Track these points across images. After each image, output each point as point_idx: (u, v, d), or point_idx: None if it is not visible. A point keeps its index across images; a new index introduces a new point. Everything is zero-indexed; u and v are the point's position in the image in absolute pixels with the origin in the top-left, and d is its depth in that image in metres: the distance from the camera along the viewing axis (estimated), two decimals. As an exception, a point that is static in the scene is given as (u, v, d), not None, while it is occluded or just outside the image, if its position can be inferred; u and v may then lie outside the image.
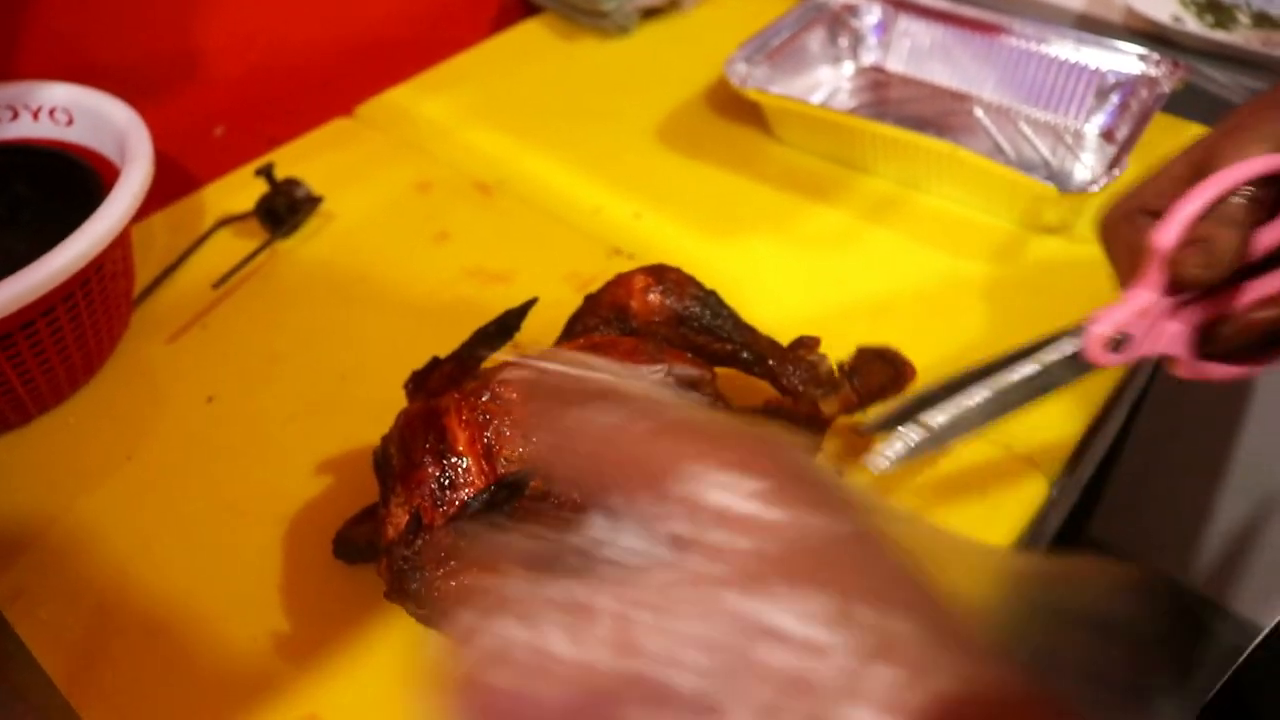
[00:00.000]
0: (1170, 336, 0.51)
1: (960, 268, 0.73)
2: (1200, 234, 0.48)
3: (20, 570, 0.55)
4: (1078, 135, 0.85)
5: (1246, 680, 0.65)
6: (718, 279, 0.71)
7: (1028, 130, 0.86)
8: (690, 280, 0.58)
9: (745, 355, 0.57)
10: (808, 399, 0.56)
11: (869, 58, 0.93)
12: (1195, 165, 0.49)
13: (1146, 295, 0.50)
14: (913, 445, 0.52)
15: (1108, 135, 0.83)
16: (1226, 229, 0.47)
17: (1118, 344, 0.51)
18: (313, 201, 0.77)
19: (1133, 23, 1.14)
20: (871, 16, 0.92)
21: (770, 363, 0.57)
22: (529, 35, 1.01)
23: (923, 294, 0.71)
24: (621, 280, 0.57)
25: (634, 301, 0.56)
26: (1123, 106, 0.83)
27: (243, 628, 0.52)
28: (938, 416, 0.52)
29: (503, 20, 1.04)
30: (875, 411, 0.55)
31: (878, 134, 0.77)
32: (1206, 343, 0.51)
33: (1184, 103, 0.82)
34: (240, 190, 0.79)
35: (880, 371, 0.57)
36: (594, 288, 0.58)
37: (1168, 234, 0.48)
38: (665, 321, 0.56)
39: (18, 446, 0.62)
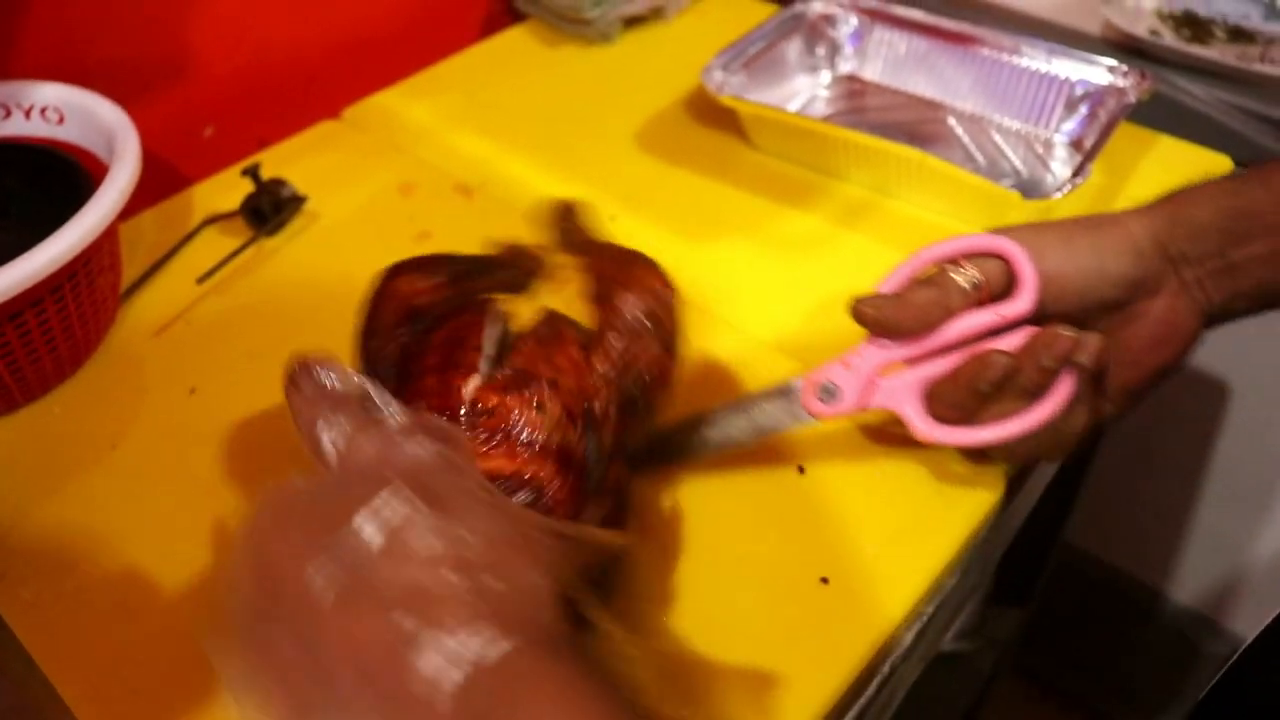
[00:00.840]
0: (891, 395, 0.55)
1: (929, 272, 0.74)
2: (902, 291, 0.54)
3: (3, 552, 0.57)
4: (1048, 144, 0.87)
5: (1231, 690, 0.67)
6: (691, 280, 0.72)
7: (999, 139, 0.88)
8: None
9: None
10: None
11: (845, 67, 0.95)
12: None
13: (851, 349, 0.55)
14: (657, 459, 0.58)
15: (1076, 144, 0.86)
16: (925, 289, 0.53)
17: (828, 393, 0.55)
18: (297, 201, 0.79)
19: (1111, 36, 1.16)
20: (848, 26, 0.94)
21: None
22: (514, 42, 1.03)
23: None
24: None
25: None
26: (1091, 116, 0.85)
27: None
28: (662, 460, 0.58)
29: (489, 27, 1.06)
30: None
31: (849, 141, 0.79)
32: (938, 405, 0.55)
33: (1159, 115, 0.84)
34: (227, 190, 0.81)
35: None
36: (568, 287, 0.60)
37: (883, 286, 0.55)
38: None
39: (3, 434, 0.64)
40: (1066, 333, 0.51)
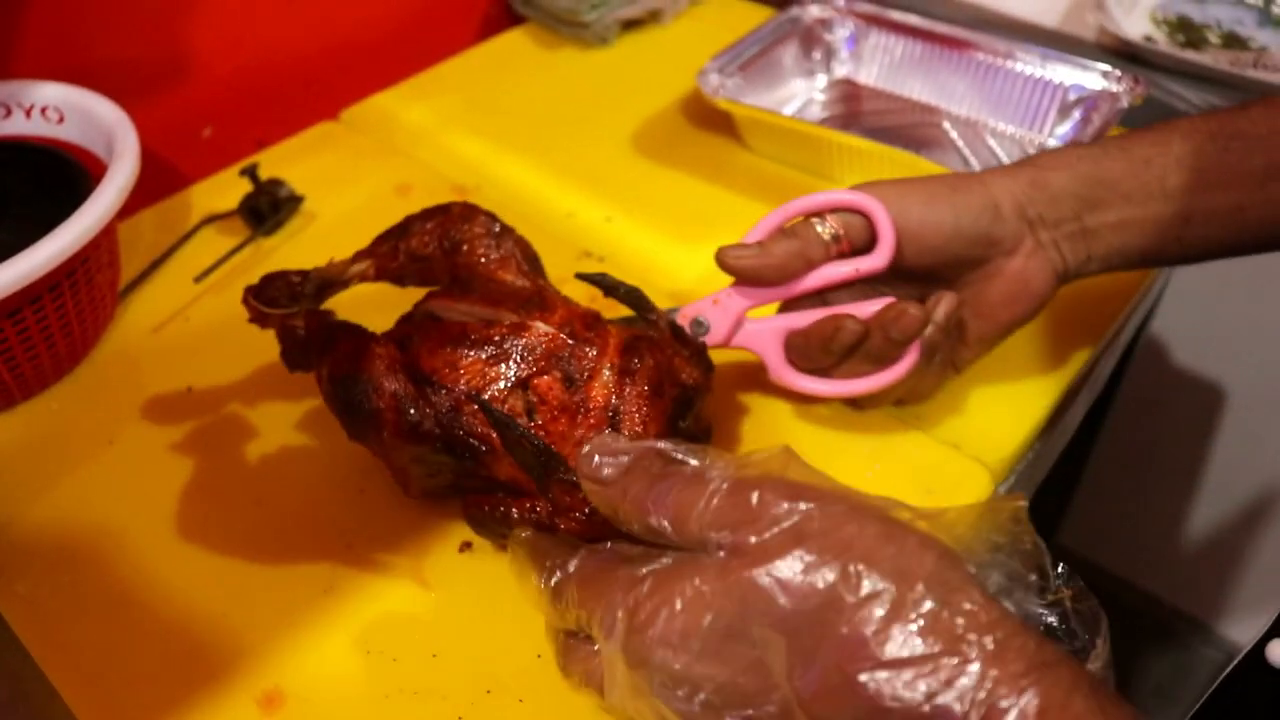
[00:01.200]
0: (752, 337, 0.59)
1: (919, 274, 0.75)
2: (764, 241, 0.57)
3: (0, 547, 0.57)
4: (1042, 148, 0.87)
5: (1228, 697, 0.67)
6: (685, 282, 0.73)
7: (994, 143, 0.88)
8: None
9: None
10: None
11: (841, 71, 0.96)
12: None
13: (726, 292, 0.58)
14: None
15: (1070, 149, 0.86)
16: (785, 240, 0.56)
17: (699, 326, 0.58)
18: (294, 201, 0.79)
19: (1105, 41, 1.17)
20: (844, 30, 0.95)
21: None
22: (512, 44, 1.04)
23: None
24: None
25: None
26: (1084, 121, 0.86)
27: (212, 603, 0.54)
28: None
29: (487, 29, 1.06)
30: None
31: (842, 144, 0.79)
32: (792, 353, 0.59)
33: (1152, 120, 0.84)
34: (225, 189, 0.81)
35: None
36: (565, 289, 0.60)
37: (750, 235, 0.58)
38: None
39: (1, 430, 0.64)
40: (913, 310, 0.53)
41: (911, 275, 0.59)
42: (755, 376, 0.66)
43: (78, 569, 0.56)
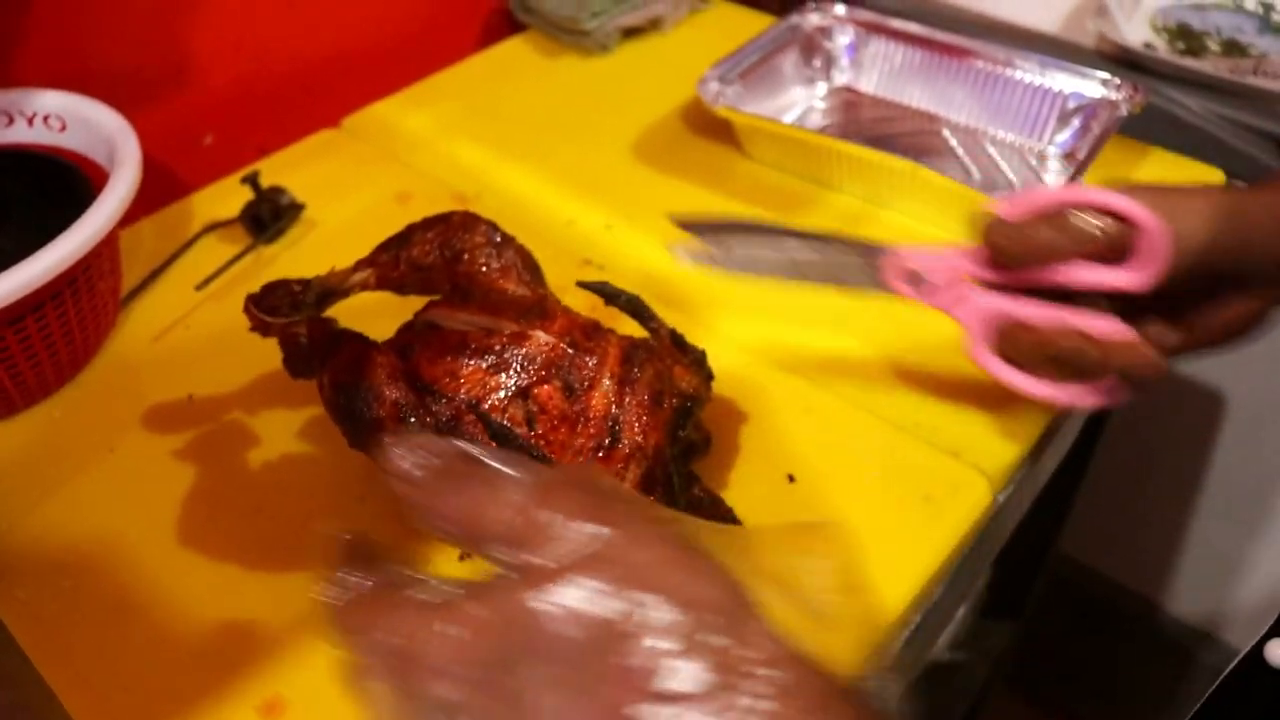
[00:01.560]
0: (970, 308, 0.54)
1: (919, 282, 0.75)
2: (1025, 219, 0.51)
3: (1, 553, 0.57)
4: (1041, 156, 0.87)
5: (1227, 703, 0.67)
6: (684, 291, 0.73)
7: (993, 151, 0.89)
8: None
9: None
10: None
11: (841, 78, 0.96)
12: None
13: (954, 251, 0.54)
14: (706, 260, 0.59)
15: (1069, 156, 0.86)
16: (1050, 227, 0.51)
17: (914, 279, 0.55)
18: (295, 209, 0.79)
19: (1105, 49, 1.17)
20: (844, 38, 0.95)
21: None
22: (513, 52, 1.04)
23: (882, 307, 0.73)
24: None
25: None
26: (1084, 129, 0.86)
27: (213, 611, 0.54)
28: (740, 248, 0.58)
29: (488, 37, 1.07)
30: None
31: (843, 152, 0.79)
32: (1004, 341, 0.54)
33: (1153, 128, 0.85)
34: (226, 197, 0.81)
35: None
36: (565, 299, 0.61)
37: (1004, 205, 0.52)
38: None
39: (3, 437, 0.65)
40: (1159, 360, 0.50)
41: (1171, 293, 0.54)
42: (755, 385, 0.66)
43: (78, 575, 0.56)
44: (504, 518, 0.33)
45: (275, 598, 0.55)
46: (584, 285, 0.58)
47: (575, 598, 0.31)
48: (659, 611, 0.30)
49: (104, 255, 0.66)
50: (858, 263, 0.56)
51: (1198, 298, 0.54)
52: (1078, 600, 1.50)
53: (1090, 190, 0.51)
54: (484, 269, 0.59)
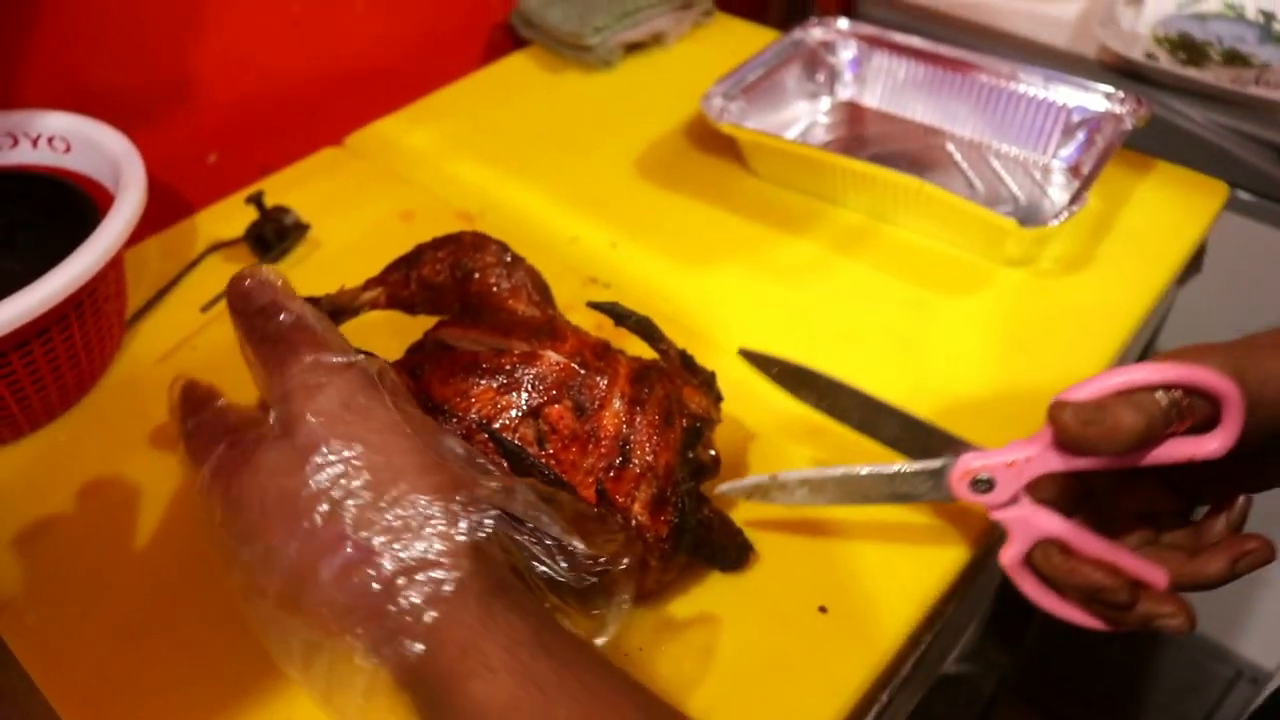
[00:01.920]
0: (1022, 520, 0.52)
1: (927, 299, 0.75)
2: (1102, 401, 0.48)
3: (8, 580, 0.57)
4: (1046, 170, 0.87)
5: None
6: (690, 307, 0.73)
7: (998, 165, 0.89)
8: None
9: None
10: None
11: (845, 93, 0.96)
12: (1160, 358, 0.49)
13: (1024, 449, 0.50)
14: (753, 488, 0.57)
15: (1074, 170, 0.86)
16: (1131, 412, 0.47)
17: (981, 485, 0.51)
18: (300, 229, 0.79)
19: (1107, 59, 1.17)
20: (847, 53, 0.95)
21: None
22: (515, 68, 1.04)
23: (890, 324, 0.73)
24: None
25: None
26: (1088, 142, 0.86)
27: (223, 635, 0.54)
28: (791, 475, 0.56)
29: (491, 53, 1.07)
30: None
31: (848, 168, 0.79)
32: (1041, 556, 0.52)
33: (1156, 138, 0.85)
34: (231, 217, 0.81)
35: None
36: (571, 316, 0.61)
37: (1076, 393, 0.49)
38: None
39: (10, 461, 0.64)
40: (1182, 618, 0.49)
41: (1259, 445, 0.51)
42: (763, 404, 0.66)
43: (86, 601, 0.56)
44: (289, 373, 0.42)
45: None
46: (594, 306, 0.58)
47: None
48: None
49: (110, 278, 0.66)
50: (919, 477, 0.54)
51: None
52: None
53: (1169, 366, 0.48)
54: (495, 289, 0.59)
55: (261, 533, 0.41)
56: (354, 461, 0.41)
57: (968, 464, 0.52)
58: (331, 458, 0.40)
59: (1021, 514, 0.51)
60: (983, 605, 0.79)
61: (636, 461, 0.51)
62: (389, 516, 0.40)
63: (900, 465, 0.54)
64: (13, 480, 0.63)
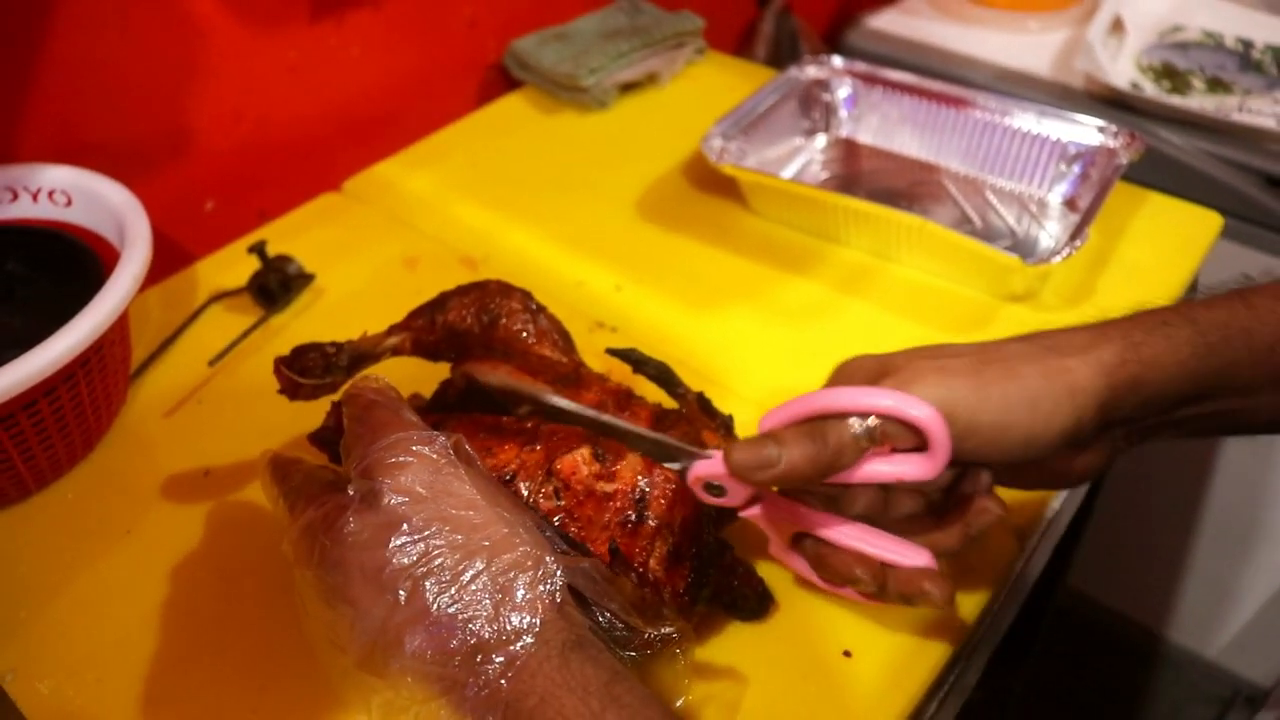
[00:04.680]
0: (762, 514, 0.52)
1: (931, 336, 0.75)
2: (776, 435, 0.47)
3: (21, 644, 0.56)
4: (1042, 204, 0.88)
5: None
6: (696, 350, 0.73)
7: (994, 199, 0.89)
8: None
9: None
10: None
11: (841, 130, 0.96)
12: (874, 370, 0.50)
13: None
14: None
15: (1070, 203, 0.87)
16: (802, 443, 0.47)
17: (715, 490, 0.51)
18: (304, 278, 0.79)
19: (1093, 89, 1.19)
20: (842, 90, 0.96)
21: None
22: (511, 109, 1.04)
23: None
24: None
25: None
26: (1084, 176, 0.87)
27: (244, 700, 0.53)
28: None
29: (485, 95, 1.07)
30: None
31: (849, 207, 0.80)
32: (801, 551, 0.52)
33: (1143, 166, 0.85)
34: (232, 266, 0.81)
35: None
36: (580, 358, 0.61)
37: (764, 422, 0.49)
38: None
39: (18, 522, 0.64)
40: (940, 594, 0.48)
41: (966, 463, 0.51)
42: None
43: (102, 666, 0.55)
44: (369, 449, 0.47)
45: (307, 681, 0.54)
46: (613, 352, 0.58)
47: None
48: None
49: (116, 333, 0.65)
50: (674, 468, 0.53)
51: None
52: (1080, 630, 1.50)
53: (861, 394, 0.48)
54: (520, 335, 0.59)
55: (347, 597, 0.44)
56: (435, 540, 0.44)
57: (697, 470, 0.51)
58: (415, 537, 0.44)
59: (766, 510, 0.52)
60: (998, 634, 0.79)
61: (652, 514, 0.51)
62: (473, 588, 0.43)
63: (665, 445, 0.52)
64: (22, 540, 0.62)
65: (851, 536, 0.50)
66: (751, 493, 0.51)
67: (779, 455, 0.47)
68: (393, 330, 0.62)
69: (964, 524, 0.50)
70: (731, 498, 0.51)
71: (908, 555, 0.49)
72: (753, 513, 0.52)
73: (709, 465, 0.50)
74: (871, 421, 0.47)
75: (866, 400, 0.47)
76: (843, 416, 0.47)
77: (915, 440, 0.47)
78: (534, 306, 0.61)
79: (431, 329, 0.62)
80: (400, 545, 0.44)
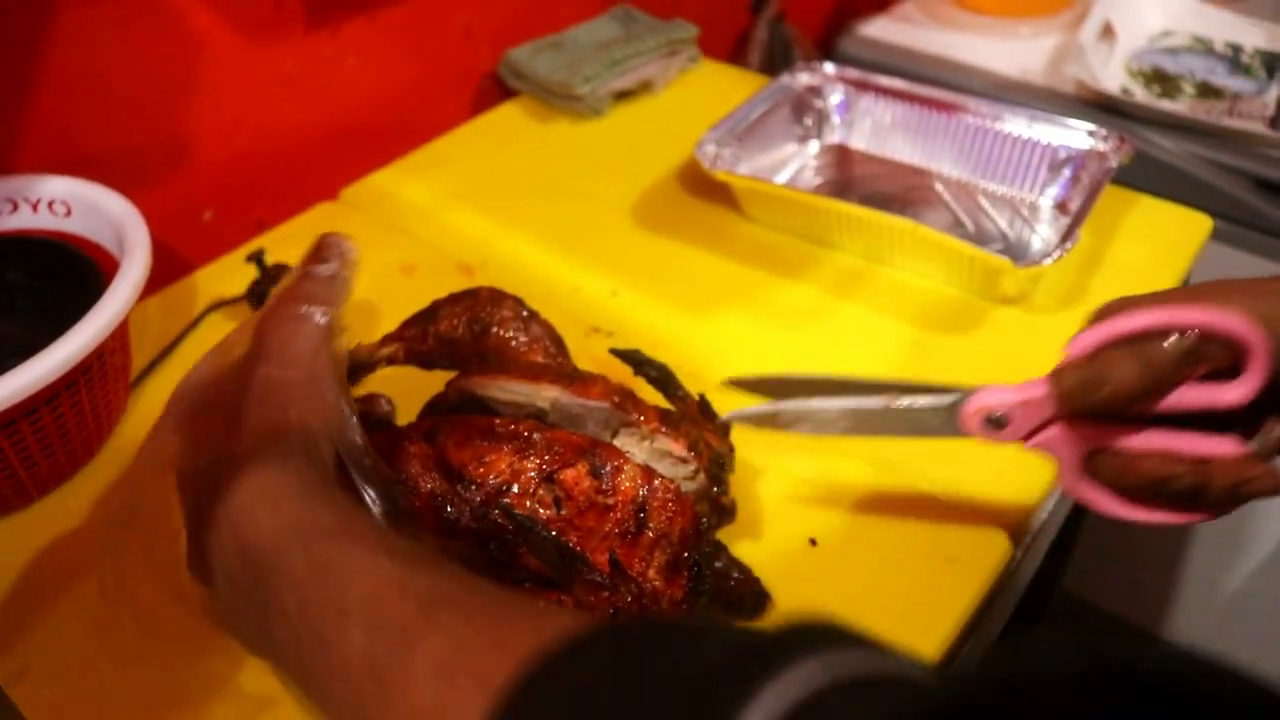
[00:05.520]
0: (1056, 440, 0.50)
1: (925, 339, 0.76)
2: (1103, 357, 0.47)
3: (24, 650, 0.57)
4: (1033, 207, 0.89)
5: None
6: (692, 354, 0.74)
7: (986, 203, 0.90)
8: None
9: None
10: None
11: (833, 136, 0.97)
12: (1175, 298, 0.48)
13: (1037, 389, 0.49)
14: (760, 417, 0.56)
15: (1061, 206, 0.88)
16: (1129, 363, 0.46)
17: (996, 422, 0.50)
18: (302, 285, 0.80)
19: (1084, 94, 1.19)
20: (835, 97, 0.96)
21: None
22: (506, 118, 1.05)
23: (890, 366, 0.74)
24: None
25: None
26: (1074, 179, 0.87)
27: (245, 700, 0.54)
28: (793, 405, 0.55)
29: (480, 104, 1.08)
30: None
31: (842, 212, 0.80)
32: (1104, 472, 0.50)
33: (1134, 170, 0.86)
34: (230, 274, 0.82)
35: None
36: (579, 365, 0.61)
37: (1078, 344, 0.48)
38: None
39: (20, 528, 0.64)
40: (1272, 474, 0.46)
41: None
42: (774, 450, 0.67)
43: (105, 672, 0.56)
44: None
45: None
46: (617, 353, 0.59)
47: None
48: None
49: (116, 341, 0.66)
50: (930, 411, 0.53)
51: None
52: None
53: (1181, 310, 0.46)
54: (512, 342, 0.60)
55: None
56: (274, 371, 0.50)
57: (981, 400, 0.50)
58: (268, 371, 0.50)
59: (1055, 436, 0.50)
60: (991, 637, 0.79)
61: (653, 523, 0.51)
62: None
63: (909, 399, 0.53)
64: (24, 548, 0.63)
65: (1158, 439, 0.48)
66: (1036, 423, 0.49)
67: (1107, 375, 0.46)
68: (386, 340, 0.63)
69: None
70: (1014, 429, 0.50)
71: (1224, 446, 0.47)
72: (1039, 441, 0.50)
73: (992, 394, 0.50)
74: (1190, 338, 0.46)
75: (1184, 316, 0.46)
76: (1161, 336, 0.46)
77: (1230, 359, 0.46)
78: (525, 313, 0.62)
79: (424, 339, 0.62)
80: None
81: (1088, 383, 0.47)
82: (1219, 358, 0.46)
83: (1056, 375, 0.48)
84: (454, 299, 0.63)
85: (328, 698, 0.39)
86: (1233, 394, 0.46)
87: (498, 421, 0.53)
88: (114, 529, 0.59)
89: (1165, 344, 0.46)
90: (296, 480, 0.45)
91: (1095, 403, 0.47)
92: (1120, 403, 0.47)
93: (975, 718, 0.27)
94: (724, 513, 0.56)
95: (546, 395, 0.55)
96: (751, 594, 0.56)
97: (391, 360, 0.63)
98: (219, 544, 0.45)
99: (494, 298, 0.62)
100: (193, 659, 0.56)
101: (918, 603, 0.58)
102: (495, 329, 0.60)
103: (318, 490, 0.45)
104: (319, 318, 0.53)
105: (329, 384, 0.51)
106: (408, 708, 0.35)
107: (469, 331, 0.61)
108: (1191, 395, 0.47)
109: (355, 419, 0.51)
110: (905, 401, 0.53)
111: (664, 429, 0.54)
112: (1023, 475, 0.65)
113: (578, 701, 0.32)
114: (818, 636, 0.32)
